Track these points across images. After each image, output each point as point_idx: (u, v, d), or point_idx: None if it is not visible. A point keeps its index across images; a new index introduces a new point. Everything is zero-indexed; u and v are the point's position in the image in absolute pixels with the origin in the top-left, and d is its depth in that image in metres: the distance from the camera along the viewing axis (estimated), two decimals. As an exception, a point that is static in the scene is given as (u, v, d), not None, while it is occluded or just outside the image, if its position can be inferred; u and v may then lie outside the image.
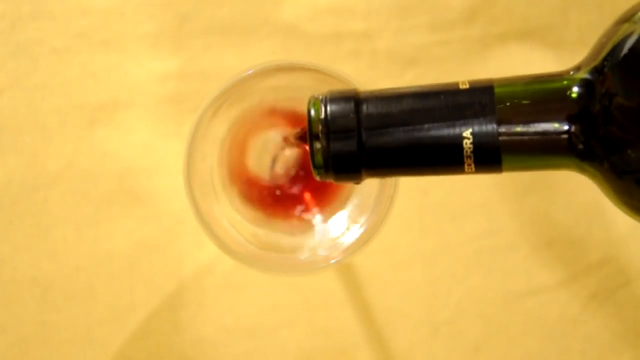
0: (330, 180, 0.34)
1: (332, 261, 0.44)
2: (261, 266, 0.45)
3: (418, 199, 0.56)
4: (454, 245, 0.56)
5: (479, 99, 0.32)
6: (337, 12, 0.56)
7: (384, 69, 0.56)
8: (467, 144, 0.32)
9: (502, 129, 0.32)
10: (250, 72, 0.43)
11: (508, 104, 0.32)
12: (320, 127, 0.33)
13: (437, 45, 0.56)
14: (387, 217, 0.44)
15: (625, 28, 0.33)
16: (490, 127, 0.32)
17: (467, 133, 0.32)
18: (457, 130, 0.32)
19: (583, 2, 0.57)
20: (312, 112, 0.33)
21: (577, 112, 0.32)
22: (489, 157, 0.32)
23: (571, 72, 0.33)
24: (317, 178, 0.34)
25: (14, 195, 0.55)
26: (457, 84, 0.33)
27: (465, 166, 0.32)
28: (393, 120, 0.32)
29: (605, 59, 0.33)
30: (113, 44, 0.55)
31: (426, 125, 0.32)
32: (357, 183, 0.34)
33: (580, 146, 0.32)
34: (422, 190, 0.56)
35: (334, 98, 0.33)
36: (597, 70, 0.33)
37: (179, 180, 0.45)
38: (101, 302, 0.55)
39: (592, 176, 0.33)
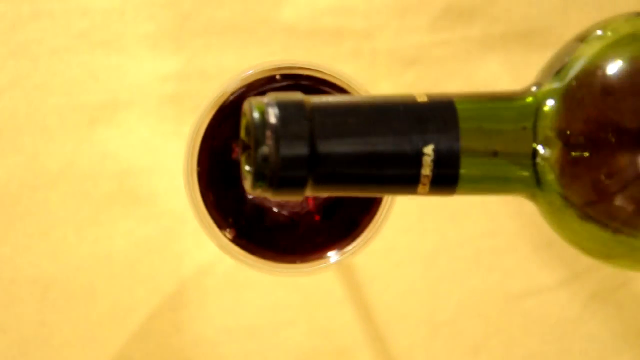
0: (267, 195, 0.30)
1: (332, 261, 0.44)
2: (261, 266, 0.45)
3: (418, 199, 0.56)
4: (454, 245, 0.56)
5: (440, 115, 0.30)
6: (337, 12, 0.56)
7: (384, 69, 0.56)
8: (428, 161, 0.30)
9: (463, 148, 0.30)
10: (250, 72, 0.43)
11: (468, 121, 0.30)
12: (267, 133, 0.29)
13: (437, 45, 0.56)
14: (387, 217, 0.44)
15: (582, 49, 0.32)
16: (451, 145, 0.30)
17: (428, 149, 0.30)
18: (415, 146, 0.30)
19: (583, 2, 0.57)
20: (256, 115, 0.29)
21: (535, 134, 0.31)
22: (447, 177, 0.30)
23: (533, 88, 0.32)
24: (250, 190, 0.30)
25: (14, 195, 0.55)
26: (414, 96, 0.30)
27: (420, 186, 0.30)
28: (348, 130, 0.30)
29: (563, 79, 0.32)
30: (113, 44, 0.55)
31: (382, 139, 0.30)
32: (297, 199, 0.31)
33: (534, 171, 0.31)
34: (422, 190, 0.56)
35: (281, 103, 0.29)
36: (556, 92, 0.31)
37: (179, 180, 0.44)
38: (101, 302, 0.55)
39: (547, 204, 0.32)
